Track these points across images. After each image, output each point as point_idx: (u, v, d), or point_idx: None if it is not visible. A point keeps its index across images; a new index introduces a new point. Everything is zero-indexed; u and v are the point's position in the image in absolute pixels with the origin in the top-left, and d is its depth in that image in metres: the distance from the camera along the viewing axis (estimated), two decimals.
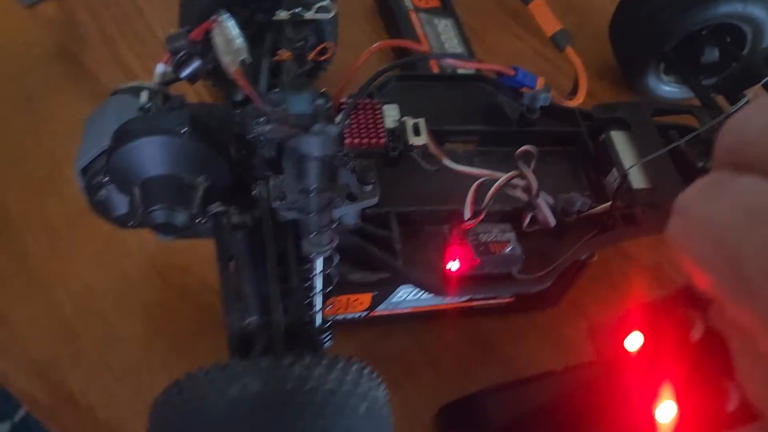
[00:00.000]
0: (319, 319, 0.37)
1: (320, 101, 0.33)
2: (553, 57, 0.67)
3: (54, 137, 0.56)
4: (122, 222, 0.40)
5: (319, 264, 0.36)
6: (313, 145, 0.32)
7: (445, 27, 0.64)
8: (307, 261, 0.38)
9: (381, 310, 0.47)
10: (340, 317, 0.47)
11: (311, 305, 0.37)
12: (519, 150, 0.40)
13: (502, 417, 0.44)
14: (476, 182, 0.40)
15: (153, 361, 0.47)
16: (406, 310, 0.48)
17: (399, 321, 0.51)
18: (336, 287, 0.42)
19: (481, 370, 0.50)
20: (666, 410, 0.27)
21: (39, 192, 0.53)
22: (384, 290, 0.45)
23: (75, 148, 0.55)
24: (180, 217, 0.35)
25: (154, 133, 0.35)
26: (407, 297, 0.46)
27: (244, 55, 0.36)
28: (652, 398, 0.28)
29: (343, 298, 0.45)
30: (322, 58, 0.40)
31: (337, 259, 0.38)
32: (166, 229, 0.36)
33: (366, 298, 0.46)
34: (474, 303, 0.49)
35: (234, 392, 0.30)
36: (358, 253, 0.42)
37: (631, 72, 0.63)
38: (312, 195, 0.33)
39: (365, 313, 0.47)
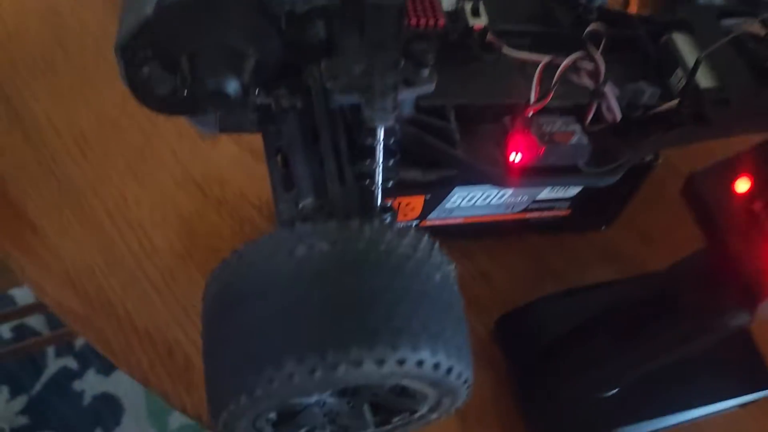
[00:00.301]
0: (379, 198, 0.35)
1: None
2: None
3: (83, 49, 0.54)
4: (166, 104, 0.37)
5: (380, 133, 0.33)
6: None
7: None
8: (358, 154, 0.36)
9: (433, 219, 0.45)
10: None
11: (370, 187, 0.35)
12: (588, 28, 0.37)
13: (564, 323, 0.41)
14: (543, 62, 0.37)
15: (191, 271, 0.45)
16: (458, 220, 0.46)
17: (451, 237, 0.48)
18: (390, 188, 0.40)
19: (535, 286, 0.47)
20: None
21: (68, 102, 0.51)
22: (438, 192, 0.42)
23: (104, 63, 0.53)
24: (232, 85, 0.33)
25: None
26: (461, 203, 0.44)
27: None
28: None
29: (395, 201, 0.42)
30: None
31: (398, 134, 0.35)
32: (218, 100, 0.33)
33: (418, 203, 0.43)
34: (529, 215, 0.47)
35: (302, 252, 0.27)
36: (413, 147, 0.39)
37: None
38: (378, 51, 0.31)
39: (417, 221, 0.45)
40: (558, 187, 0.44)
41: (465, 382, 0.30)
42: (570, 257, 0.49)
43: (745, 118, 0.42)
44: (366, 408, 0.34)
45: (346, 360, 0.26)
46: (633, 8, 0.52)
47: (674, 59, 0.45)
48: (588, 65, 0.38)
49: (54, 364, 1.12)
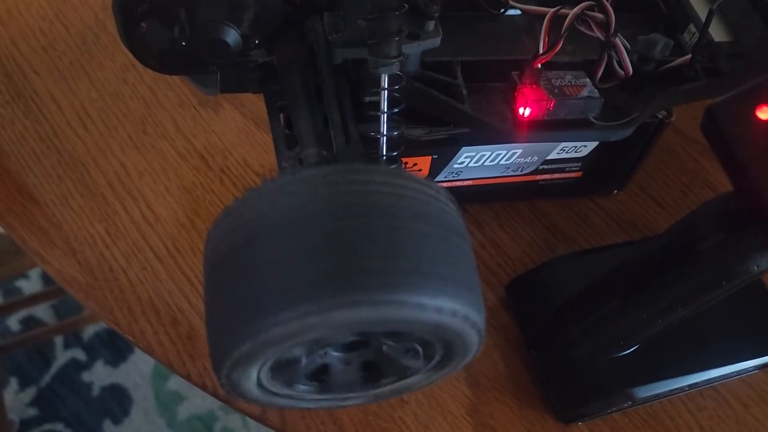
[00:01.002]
0: (384, 149, 0.34)
1: None
2: None
3: (83, 23, 0.53)
4: (164, 61, 0.37)
5: (385, 80, 0.32)
6: None
7: None
8: (363, 117, 0.35)
9: (440, 180, 0.44)
10: None
11: (375, 136, 0.34)
12: None
13: (577, 283, 0.40)
14: (550, 12, 0.36)
15: (194, 240, 0.44)
16: (467, 182, 0.45)
17: (460, 201, 0.47)
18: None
19: (546, 253, 0.46)
20: None
21: (69, 76, 0.50)
22: (445, 152, 0.41)
23: (105, 35, 0.52)
24: (232, 34, 0.32)
25: None
26: (469, 163, 0.43)
27: None
28: None
29: (401, 161, 0.41)
30: None
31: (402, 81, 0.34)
32: (217, 48, 0.32)
33: (425, 163, 0.42)
34: (539, 177, 0.46)
35: (306, 194, 0.26)
36: (419, 104, 0.38)
37: None
38: None
39: None
40: (569, 147, 0.43)
41: (477, 330, 0.29)
42: (582, 223, 0.48)
43: (761, 70, 0.41)
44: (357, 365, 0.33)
45: (358, 301, 0.25)
46: None
47: (686, 14, 0.44)
48: (598, 16, 0.37)
49: (63, 355, 1.12)
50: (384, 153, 0.34)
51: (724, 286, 0.32)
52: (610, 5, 0.37)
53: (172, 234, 0.44)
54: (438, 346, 0.30)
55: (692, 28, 0.43)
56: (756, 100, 0.25)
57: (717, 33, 0.43)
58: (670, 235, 0.34)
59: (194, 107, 0.49)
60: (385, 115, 0.33)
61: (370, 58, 0.31)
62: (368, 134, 0.35)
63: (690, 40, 0.43)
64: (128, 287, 0.42)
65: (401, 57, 0.32)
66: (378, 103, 0.34)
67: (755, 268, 0.28)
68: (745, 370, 0.42)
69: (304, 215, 0.26)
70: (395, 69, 0.32)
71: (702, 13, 0.44)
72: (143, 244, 0.44)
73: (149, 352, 0.41)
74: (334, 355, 0.30)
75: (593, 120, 0.38)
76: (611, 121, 0.39)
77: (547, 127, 0.38)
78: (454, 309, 0.27)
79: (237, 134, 0.48)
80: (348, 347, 0.30)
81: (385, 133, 0.33)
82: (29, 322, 1.15)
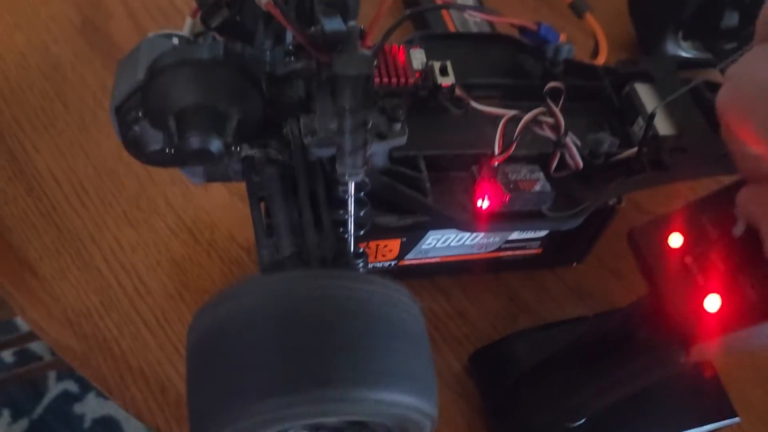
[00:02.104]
0: (352, 246, 0.37)
1: (352, 23, 0.34)
2: (570, 30, 0.67)
3: (82, 102, 0.57)
4: (155, 159, 0.40)
5: (352, 187, 0.36)
6: (350, 64, 0.33)
7: None
8: (336, 202, 0.39)
9: (410, 258, 0.48)
10: (369, 266, 0.47)
11: (344, 235, 0.38)
12: (547, 86, 0.40)
13: (533, 357, 0.44)
14: (505, 117, 0.40)
15: (182, 311, 0.48)
16: (435, 260, 0.48)
17: (428, 276, 0.51)
18: (365, 233, 0.43)
19: (509, 322, 0.50)
20: (713, 301, 0.28)
21: (68, 153, 0.54)
22: (413, 236, 0.45)
23: (103, 114, 0.56)
24: (215, 144, 0.36)
25: (188, 63, 0.36)
26: (436, 244, 0.46)
27: None
28: (697, 293, 0.28)
29: (372, 244, 0.45)
30: None
31: (368, 188, 0.38)
32: (202, 156, 0.36)
33: (395, 245, 0.46)
34: (502, 254, 0.49)
35: (276, 296, 0.30)
36: (387, 195, 0.42)
37: (650, 40, 0.64)
38: (347, 115, 0.34)
39: (394, 261, 0.48)
40: None
41: (431, 419, 0.32)
42: (543, 294, 0.52)
43: (700, 163, 0.45)
44: None
45: (319, 398, 0.28)
46: (602, 56, 0.55)
47: (635, 108, 0.48)
48: (549, 119, 0.41)
49: (55, 387, 1.14)
50: (352, 250, 0.37)
51: (656, 372, 0.35)
52: (561, 101, 0.41)
53: (162, 305, 0.48)
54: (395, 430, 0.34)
55: (641, 121, 0.47)
56: (668, 229, 0.29)
57: (663, 127, 0.47)
58: (615, 321, 0.38)
59: (185, 184, 0.53)
60: (353, 216, 0.36)
61: (337, 167, 0.35)
62: (339, 220, 0.39)
63: (639, 132, 0.47)
64: (120, 356, 0.45)
65: (366, 167, 0.36)
66: (346, 201, 0.38)
67: (674, 360, 0.32)
68: None
69: (272, 316, 0.30)
70: (360, 177, 0.35)
71: (650, 107, 0.48)
72: (135, 316, 0.47)
73: (139, 417, 0.44)
74: None
75: (545, 212, 0.42)
76: (564, 208, 0.43)
77: (504, 218, 0.42)
78: (411, 404, 0.30)
79: (224, 210, 0.52)
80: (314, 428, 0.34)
81: (352, 232, 0.37)
82: (22, 355, 1.17)
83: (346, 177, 0.36)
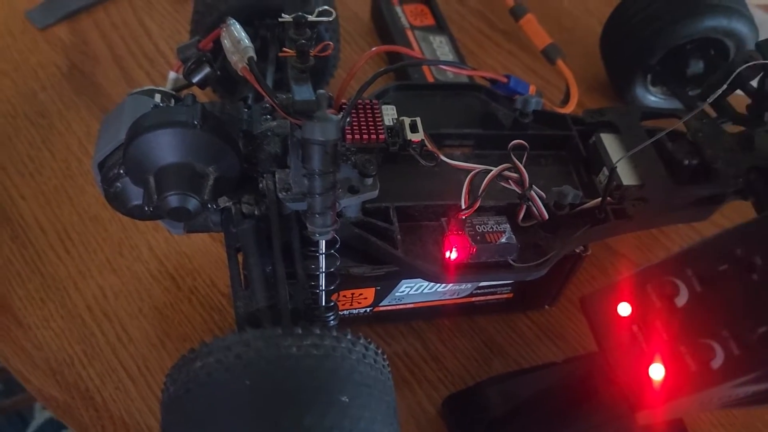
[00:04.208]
0: (323, 300, 0.39)
1: (321, 91, 0.36)
2: (543, 72, 0.70)
3: (68, 149, 0.59)
4: (136, 213, 0.42)
5: (322, 245, 0.37)
6: (317, 130, 0.34)
7: (440, 44, 0.67)
8: (310, 250, 0.41)
9: (385, 305, 0.49)
10: (345, 312, 0.48)
11: (316, 288, 0.39)
12: (511, 143, 0.42)
13: (503, 404, 0.45)
14: (471, 174, 0.42)
15: (164, 359, 0.49)
16: (409, 305, 0.50)
17: (403, 320, 0.53)
18: (340, 282, 0.44)
19: (483, 366, 0.51)
20: (657, 370, 0.29)
21: (53, 200, 0.55)
22: (386, 284, 0.47)
23: (88, 161, 0.58)
24: (192, 203, 0.37)
25: (167, 125, 0.37)
26: (409, 291, 0.48)
27: (251, 53, 0.38)
28: (643, 361, 0.29)
29: (348, 293, 0.47)
30: (324, 53, 0.42)
31: (338, 244, 0.39)
32: (179, 214, 0.37)
33: (369, 293, 0.47)
34: (475, 299, 0.51)
35: (246, 356, 0.32)
36: (360, 246, 0.44)
37: (620, 84, 0.66)
38: (316, 177, 0.35)
39: (370, 308, 0.49)
40: None
41: None
42: (516, 337, 0.53)
43: (662, 213, 0.47)
44: None
45: None
46: (572, 103, 0.57)
47: (601, 158, 0.49)
48: (514, 174, 0.42)
49: (40, 415, 1.14)
50: (323, 304, 0.39)
51: (616, 425, 0.37)
52: (524, 158, 0.43)
53: (144, 354, 0.49)
54: None
55: (606, 170, 0.49)
56: (617, 298, 0.30)
57: (626, 177, 0.49)
58: (578, 372, 0.40)
59: (167, 231, 0.55)
60: (324, 272, 0.38)
61: (308, 226, 0.37)
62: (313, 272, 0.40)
63: (604, 181, 0.49)
64: (102, 406, 0.47)
65: (335, 225, 0.37)
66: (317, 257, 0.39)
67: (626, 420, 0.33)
68: None
69: (245, 376, 0.31)
70: (330, 236, 0.37)
71: (615, 157, 0.50)
72: (117, 365, 0.48)
73: None
74: None
75: (511, 262, 0.43)
76: (531, 258, 0.45)
77: (471, 269, 0.43)
78: None
79: (205, 256, 0.54)
80: None
81: (323, 287, 0.38)
82: (9, 383, 1.17)
83: (317, 236, 0.37)
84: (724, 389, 0.28)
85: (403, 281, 0.47)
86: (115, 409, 0.46)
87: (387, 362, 0.37)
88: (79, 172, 0.57)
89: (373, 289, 0.47)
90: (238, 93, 0.50)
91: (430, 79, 0.61)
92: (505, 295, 0.52)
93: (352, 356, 0.34)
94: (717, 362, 0.28)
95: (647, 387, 0.29)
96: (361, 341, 0.35)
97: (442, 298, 0.50)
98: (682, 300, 0.29)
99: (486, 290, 0.50)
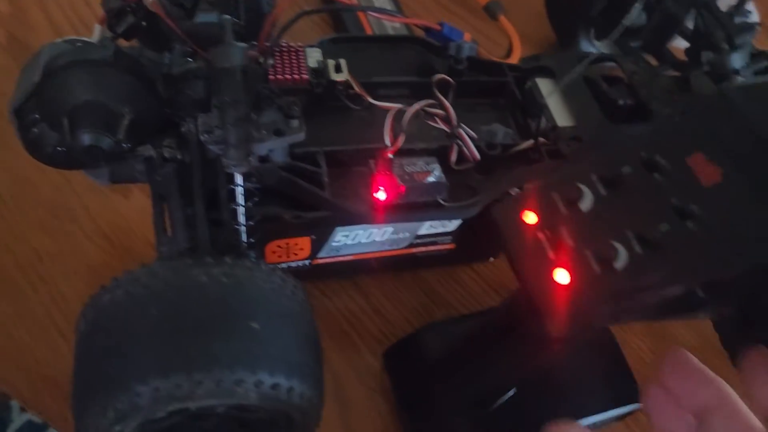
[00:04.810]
0: (244, 236, 0.38)
1: (226, 17, 0.35)
2: (490, 30, 0.69)
3: (2, 117, 0.57)
4: (56, 160, 0.41)
5: (238, 178, 0.37)
6: (223, 56, 0.34)
7: None
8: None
9: (324, 257, 0.48)
10: (284, 266, 0.48)
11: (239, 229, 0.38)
12: (435, 77, 0.42)
13: (441, 349, 0.44)
14: (393, 110, 0.41)
15: None
16: (348, 257, 0.49)
17: (345, 275, 0.52)
18: (273, 231, 0.44)
19: (425, 318, 0.51)
20: (562, 275, 0.29)
21: None
22: (321, 232, 0.46)
23: None
24: (106, 141, 0.37)
25: (79, 63, 0.37)
26: (346, 241, 0.47)
27: None
28: (548, 267, 0.29)
29: (282, 242, 0.46)
30: None
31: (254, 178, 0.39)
32: (94, 153, 0.37)
33: (305, 243, 0.46)
34: (416, 250, 0.50)
35: (155, 285, 0.31)
36: (289, 190, 0.43)
37: (566, 39, 0.66)
38: (227, 107, 0.35)
39: (308, 260, 0.48)
40: (436, 223, 0.48)
41: (313, 402, 0.33)
42: (461, 290, 0.53)
43: (594, 151, 0.47)
44: None
45: (200, 378, 0.29)
46: (515, 56, 0.57)
47: (536, 102, 0.49)
48: (439, 112, 0.42)
49: (19, 418, 1.13)
50: (245, 239, 0.38)
51: (543, 353, 0.36)
52: (451, 93, 0.42)
53: (77, 313, 0.48)
54: (281, 421, 0.34)
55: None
56: (522, 206, 0.30)
57: (561, 118, 0.48)
58: (504, 308, 0.39)
59: (104, 191, 0.54)
60: (242, 207, 0.37)
61: (223, 160, 0.36)
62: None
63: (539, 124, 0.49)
64: (34, 367, 0.46)
65: (250, 158, 0.36)
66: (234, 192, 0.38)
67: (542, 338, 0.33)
68: (604, 422, 0.47)
69: (147, 304, 0.31)
70: (245, 168, 0.36)
71: (551, 101, 0.49)
72: (49, 324, 0.47)
73: (54, 425, 0.45)
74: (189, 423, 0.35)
75: (442, 201, 0.43)
76: (464, 199, 0.44)
77: (402, 209, 0.43)
78: (289, 386, 0.31)
79: (141, 214, 0.53)
80: (200, 417, 0.34)
81: (243, 223, 0.38)
82: None
83: (231, 169, 0.36)
84: (629, 291, 0.27)
85: (338, 229, 0.46)
86: (48, 369, 0.46)
87: (307, 298, 0.36)
88: (11, 136, 0.56)
89: (308, 239, 0.46)
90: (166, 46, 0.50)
91: (368, 31, 0.61)
92: (447, 246, 0.51)
93: (266, 286, 0.33)
94: (620, 263, 0.27)
95: (553, 292, 0.28)
96: (278, 273, 0.34)
97: (381, 248, 0.49)
98: (586, 204, 0.29)
99: (426, 240, 0.50)
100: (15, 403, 1.11)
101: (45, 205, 0.53)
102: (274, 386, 0.30)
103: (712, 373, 0.27)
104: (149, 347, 0.30)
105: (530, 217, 0.30)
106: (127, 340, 0.30)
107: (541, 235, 0.29)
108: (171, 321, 0.30)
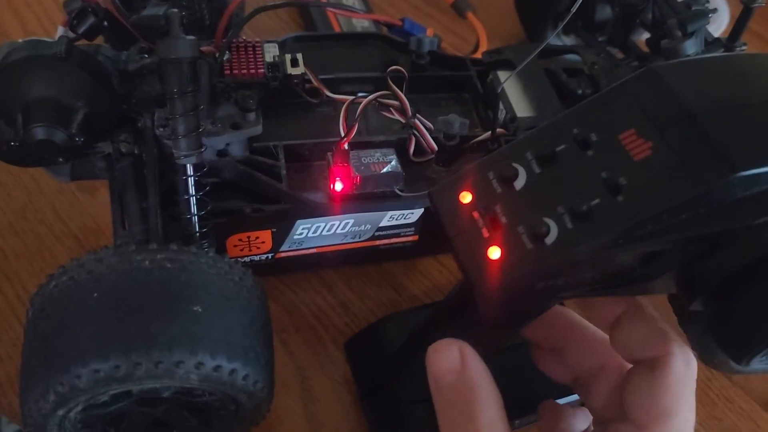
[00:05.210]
0: (196, 226, 0.38)
1: (173, 10, 0.35)
2: (460, 28, 0.70)
3: None
4: (10, 155, 0.41)
5: (189, 169, 0.37)
6: (169, 48, 0.34)
7: None
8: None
9: (286, 250, 0.48)
10: (246, 260, 0.48)
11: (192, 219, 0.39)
12: (388, 69, 0.42)
13: (400, 338, 0.44)
14: (347, 102, 0.42)
15: None
16: (311, 251, 0.49)
17: (309, 268, 0.52)
18: (234, 224, 0.44)
19: (392, 310, 0.51)
20: (495, 252, 0.29)
21: None
22: (282, 226, 0.46)
23: None
24: (59, 135, 0.37)
25: (32, 59, 0.37)
26: (308, 234, 0.47)
27: None
28: (482, 245, 0.29)
29: (243, 236, 0.46)
30: None
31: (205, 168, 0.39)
32: (46, 147, 0.37)
33: (266, 236, 0.47)
34: (379, 242, 0.50)
35: (101, 270, 0.31)
36: (247, 184, 0.43)
37: (534, 35, 0.66)
38: (175, 98, 0.35)
39: (270, 254, 0.48)
40: (397, 215, 0.48)
41: (260, 386, 0.33)
42: (427, 282, 0.53)
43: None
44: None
45: (138, 359, 0.29)
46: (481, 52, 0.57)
47: (497, 95, 0.49)
48: (394, 103, 0.42)
49: (8, 428, 1.13)
50: (197, 230, 0.38)
51: (491, 333, 0.36)
52: (405, 85, 0.43)
53: None
54: (229, 405, 0.34)
55: (501, 105, 0.49)
56: (459, 187, 0.30)
57: (520, 109, 0.49)
58: (453, 293, 0.39)
59: (73, 193, 0.54)
60: (193, 198, 0.38)
61: (174, 151, 0.37)
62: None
63: (501, 116, 0.49)
64: None
65: (201, 149, 0.37)
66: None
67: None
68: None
69: (91, 289, 0.31)
70: (194, 160, 0.37)
71: (511, 93, 0.50)
72: (15, 322, 0.48)
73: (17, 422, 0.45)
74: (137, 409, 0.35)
75: (399, 192, 0.43)
76: (423, 189, 0.45)
77: (359, 200, 0.43)
78: (232, 368, 0.31)
79: (109, 216, 0.53)
80: (148, 402, 0.35)
81: (194, 213, 0.38)
82: None
83: (181, 160, 0.37)
84: (560, 265, 0.28)
85: (298, 222, 0.46)
86: (10, 366, 0.46)
87: (257, 284, 0.36)
88: None
89: (269, 232, 0.46)
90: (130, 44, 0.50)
91: (336, 28, 0.61)
92: (410, 237, 0.51)
93: (211, 271, 0.33)
94: (551, 238, 0.28)
95: (486, 269, 0.28)
96: (225, 259, 0.35)
97: (344, 241, 0.49)
98: (520, 183, 0.29)
99: (389, 232, 0.50)
100: (3, 417, 1.11)
101: (15, 208, 0.53)
102: (216, 368, 0.31)
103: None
104: (89, 330, 0.30)
105: (466, 198, 0.30)
106: (69, 324, 0.31)
107: (476, 215, 0.29)
108: (112, 304, 0.31)
